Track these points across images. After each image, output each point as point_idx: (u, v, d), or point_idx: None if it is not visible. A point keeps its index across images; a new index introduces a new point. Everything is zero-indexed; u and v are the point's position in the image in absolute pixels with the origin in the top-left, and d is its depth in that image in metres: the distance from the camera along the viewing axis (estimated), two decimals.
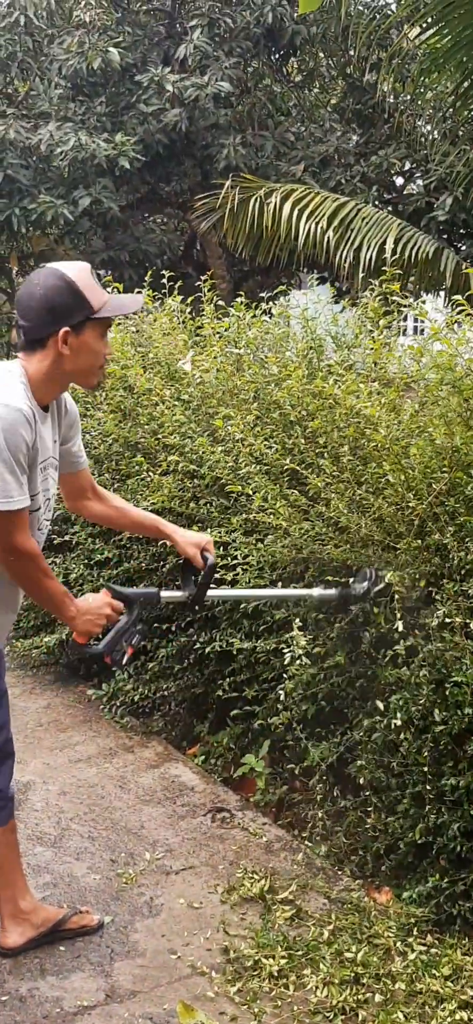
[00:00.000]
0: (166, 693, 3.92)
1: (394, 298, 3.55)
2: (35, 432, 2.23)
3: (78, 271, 2.29)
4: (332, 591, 3.04)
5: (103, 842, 3.18)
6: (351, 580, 3.06)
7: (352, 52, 10.83)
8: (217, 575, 3.41)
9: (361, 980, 2.48)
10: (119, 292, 5.00)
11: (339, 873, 2.99)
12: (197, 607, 2.70)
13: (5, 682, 2.54)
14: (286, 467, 3.38)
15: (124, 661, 2.47)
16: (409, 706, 2.79)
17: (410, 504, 2.99)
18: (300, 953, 2.59)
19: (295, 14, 10.24)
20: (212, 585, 2.71)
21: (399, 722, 2.77)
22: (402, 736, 2.80)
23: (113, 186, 9.84)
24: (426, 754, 2.75)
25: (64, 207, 9.42)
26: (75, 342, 2.27)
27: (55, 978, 2.52)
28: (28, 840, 3.16)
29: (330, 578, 3.15)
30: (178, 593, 2.69)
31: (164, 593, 2.63)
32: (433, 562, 2.93)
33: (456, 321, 3.46)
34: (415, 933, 2.66)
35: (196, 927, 2.73)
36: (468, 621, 2.75)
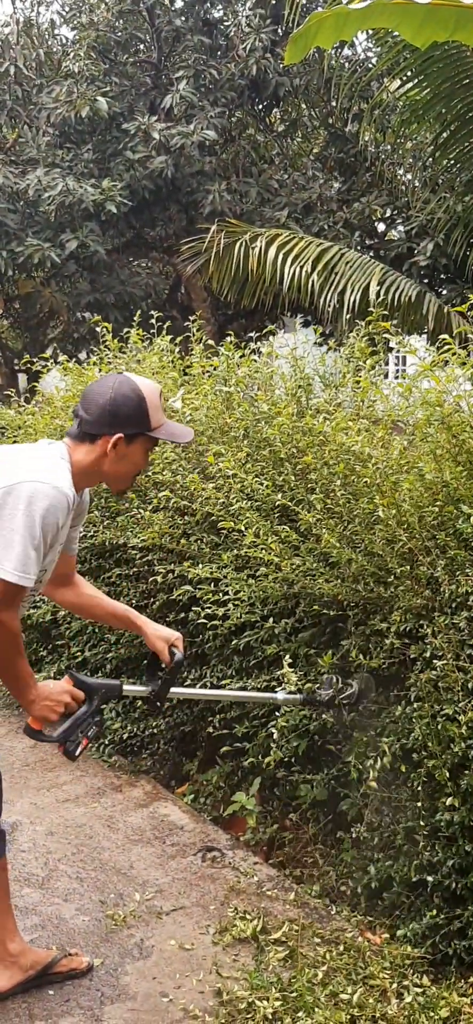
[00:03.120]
0: (155, 731, 3.89)
1: (384, 335, 3.59)
2: (68, 519, 2.28)
3: (150, 390, 2.37)
4: (297, 695, 2.97)
5: (92, 883, 3.12)
6: (317, 686, 3.01)
7: (334, 103, 11.10)
8: (208, 613, 3.41)
9: (357, 1023, 2.43)
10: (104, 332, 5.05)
11: (332, 912, 2.95)
12: (160, 703, 2.64)
13: None
14: (277, 503, 3.39)
15: (77, 752, 2.37)
16: (401, 740, 2.78)
17: (401, 538, 3.00)
18: (294, 995, 2.53)
19: (279, 66, 10.48)
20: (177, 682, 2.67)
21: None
22: (397, 768, 2.78)
23: (100, 230, 9.96)
24: (419, 789, 2.74)
25: (51, 250, 9.51)
26: (123, 450, 2.34)
27: None
28: (15, 882, 3.09)
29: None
30: (141, 688, 2.63)
31: (127, 687, 2.57)
32: (424, 595, 2.94)
33: (444, 360, 3.51)
34: (411, 973, 2.62)
35: (188, 969, 2.67)
36: (459, 653, 2.76)
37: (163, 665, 2.59)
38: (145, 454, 2.41)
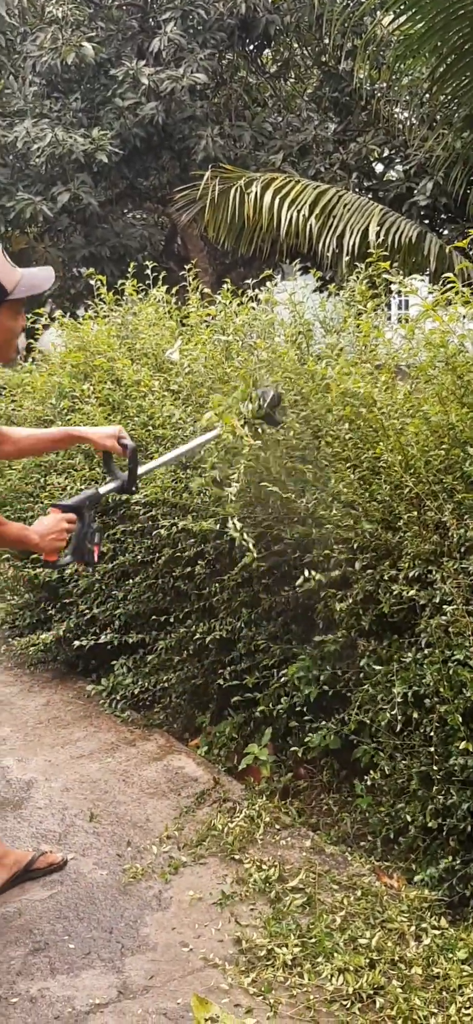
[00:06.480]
0: (166, 685, 3.88)
1: (384, 276, 3.52)
2: None
3: None
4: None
5: (108, 837, 3.14)
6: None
7: (327, 40, 10.81)
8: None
9: (376, 966, 2.44)
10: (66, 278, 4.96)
11: (349, 859, 2.96)
12: (134, 488, 2.85)
13: None
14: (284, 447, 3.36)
15: (96, 559, 2.66)
16: (412, 686, 2.77)
17: (407, 484, 2.96)
18: (313, 941, 2.55)
19: (268, 3, 10.21)
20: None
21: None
22: (409, 714, 2.78)
23: (91, 181, 9.78)
24: (432, 734, 2.73)
25: (43, 204, 9.35)
26: None
27: (66, 977, 2.48)
28: (32, 838, 3.12)
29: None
30: (113, 484, 2.81)
31: (103, 489, 2.78)
32: (432, 540, 2.91)
33: (447, 300, 3.43)
34: (428, 916, 2.63)
35: (207, 919, 2.69)
36: (469, 598, 2.73)
37: (119, 458, 2.82)
38: (16, 316, 2.45)
